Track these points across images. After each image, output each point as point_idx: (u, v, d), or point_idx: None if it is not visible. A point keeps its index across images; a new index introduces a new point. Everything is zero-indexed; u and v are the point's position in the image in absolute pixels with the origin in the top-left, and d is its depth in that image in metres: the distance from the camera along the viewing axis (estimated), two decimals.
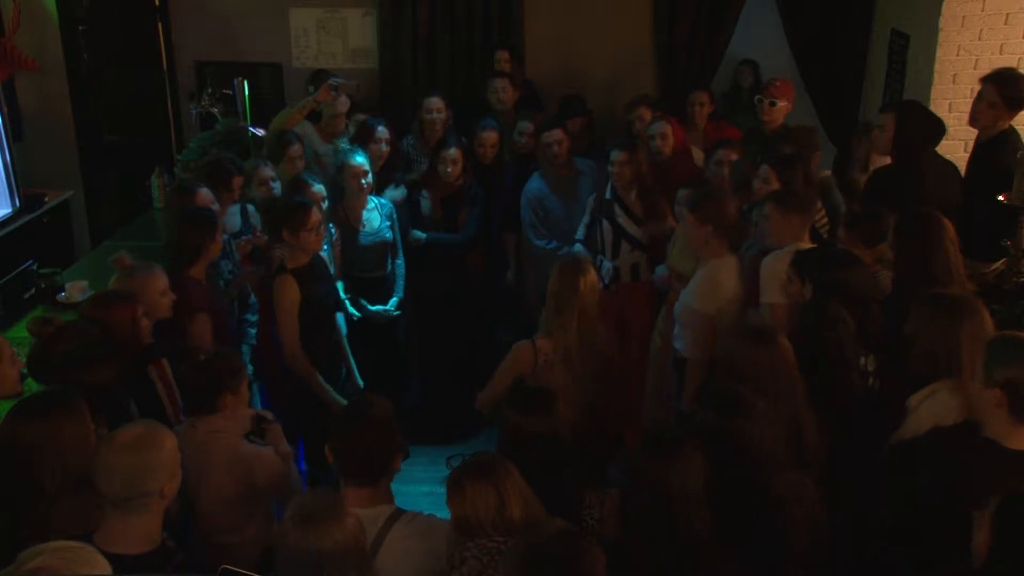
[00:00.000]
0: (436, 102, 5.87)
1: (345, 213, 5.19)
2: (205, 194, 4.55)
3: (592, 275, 3.88)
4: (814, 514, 2.62)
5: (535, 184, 5.50)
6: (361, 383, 4.73)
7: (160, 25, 7.19)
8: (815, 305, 3.37)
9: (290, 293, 4.25)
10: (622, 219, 5.03)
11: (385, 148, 5.53)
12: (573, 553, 2.19)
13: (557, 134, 5.41)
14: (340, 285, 4.95)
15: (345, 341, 4.75)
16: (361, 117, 5.83)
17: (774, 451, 2.66)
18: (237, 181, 4.88)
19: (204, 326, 4.05)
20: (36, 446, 2.65)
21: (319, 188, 4.90)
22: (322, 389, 4.31)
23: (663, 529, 2.49)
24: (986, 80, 4.57)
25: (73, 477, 2.64)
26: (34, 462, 2.64)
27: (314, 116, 5.76)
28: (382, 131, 5.53)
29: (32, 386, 3.39)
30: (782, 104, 5.66)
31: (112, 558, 2.27)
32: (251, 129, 6.14)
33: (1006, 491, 2.32)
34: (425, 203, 5.53)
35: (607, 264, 5.13)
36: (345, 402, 4.14)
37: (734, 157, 4.94)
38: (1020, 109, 4.57)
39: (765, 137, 5.61)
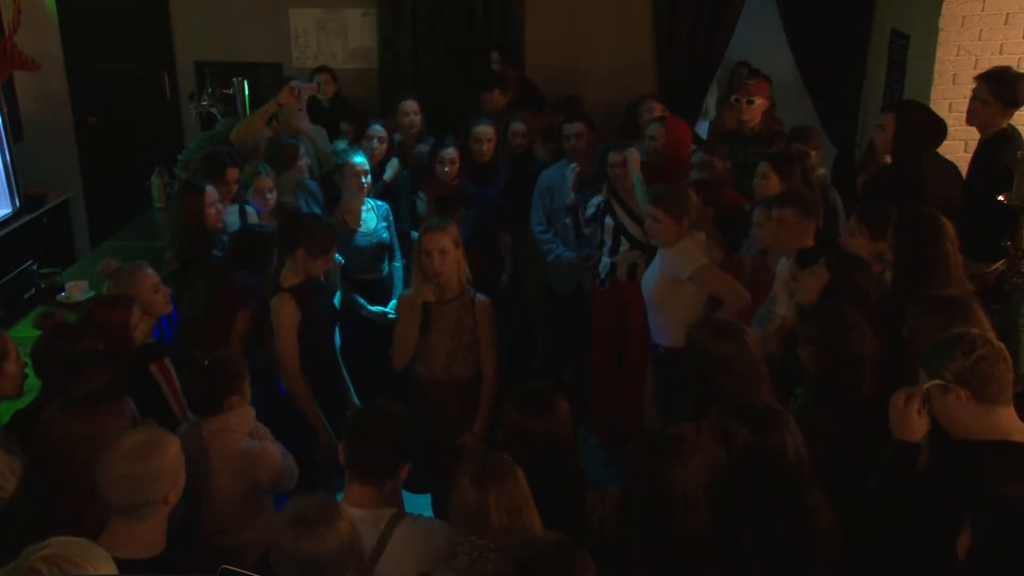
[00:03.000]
0: (411, 105, 5.87)
1: (343, 214, 5.07)
2: (211, 192, 4.55)
3: (439, 237, 4.00)
4: (832, 521, 2.62)
5: (551, 172, 5.46)
6: (357, 403, 4.41)
7: (160, 25, 7.19)
8: (831, 309, 3.28)
9: (289, 314, 4.04)
10: (622, 216, 5.02)
11: (376, 144, 5.55)
12: (563, 561, 2.19)
13: (578, 127, 5.40)
14: (337, 295, 4.86)
15: (339, 357, 4.51)
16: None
17: (804, 462, 2.63)
18: (232, 173, 4.87)
19: (246, 323, 4.17)
20: (81, 440, 2.64)
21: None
22: (317, 418, 4.11)
23: (663, 528, 2.48)
24: (980, 78, 4.57)
25: None
26: (75, 457, 2.63)
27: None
28: (377, 129, 5.58)
29: (33, 385, 3.39)
30: (759, 101, 5.76)
31: (117, 563, 2.26)
32: None
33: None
34: (421, 203, 5.48)
35: (605, 259, 5.12)
36: (335, 439, 3.98)
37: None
38: (1016, 107, 4.56)
39: (745, 137, 5.64)
